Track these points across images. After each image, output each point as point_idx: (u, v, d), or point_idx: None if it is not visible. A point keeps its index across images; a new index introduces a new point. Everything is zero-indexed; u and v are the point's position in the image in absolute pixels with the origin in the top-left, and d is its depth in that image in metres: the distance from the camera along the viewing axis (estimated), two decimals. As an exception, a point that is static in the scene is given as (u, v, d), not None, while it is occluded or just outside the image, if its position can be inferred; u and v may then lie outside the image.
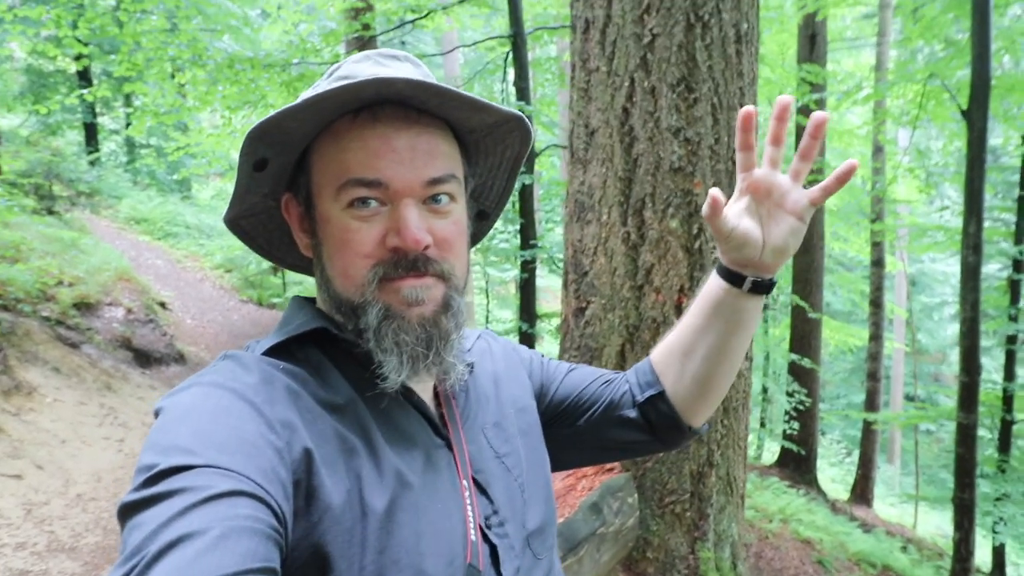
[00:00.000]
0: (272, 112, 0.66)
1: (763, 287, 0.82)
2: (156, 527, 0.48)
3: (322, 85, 0.72)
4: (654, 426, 0.92)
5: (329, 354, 0.72)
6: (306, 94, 0.68)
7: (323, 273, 0.73)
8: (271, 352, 0.70)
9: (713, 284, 0.84)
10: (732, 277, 0.82)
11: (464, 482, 0.73)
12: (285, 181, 0.76)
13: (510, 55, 6.21)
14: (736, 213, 0.79)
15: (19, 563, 2.97)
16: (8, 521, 3.22)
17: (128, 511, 0.52)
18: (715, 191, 0.75)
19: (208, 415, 0.58)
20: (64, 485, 3.68)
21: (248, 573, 0.47)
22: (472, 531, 0.70)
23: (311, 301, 0.79)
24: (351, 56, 0.78)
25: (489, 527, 0.74)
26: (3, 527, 3.17)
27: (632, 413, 0.92)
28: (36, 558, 3.05)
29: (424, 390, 0.78)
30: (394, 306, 0.69)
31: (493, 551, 0.73)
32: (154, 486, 0.52)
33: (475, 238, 0.90)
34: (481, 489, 0.76)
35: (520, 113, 0.76)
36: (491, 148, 0.81)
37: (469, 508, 0.72)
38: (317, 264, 0.75)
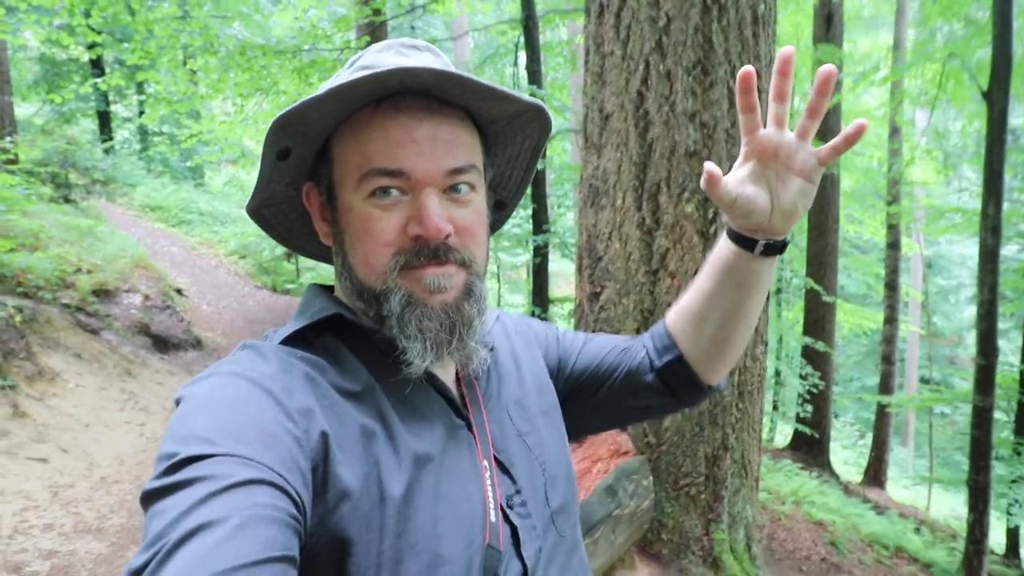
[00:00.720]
0: (296, 102, 0.66)
1: (775, 248, 0.81)
2: (177, 515, 0.49)
3: (344, 75, 0.72)
4: (673, 389, 0.92)
5: (346, 341, 0.73)
6: (329, 83, 0.68)
7: (344, 261, 0.74)
8: (289, 340, 0.71)
9: (724, 248, 0.83)
10: (743, 241, 0.80)
11: (485, 462, 0.74)
12: (306, 170, 0.77)
13: (521, 39, 6.17)
14: (738, 180, 0.77)
15: (47, 544, 3.05)
16: (35, 503, 3.30)
17: (150, 498, 0.53)
18: (709, 164, 0.74)
19: (227, 404, 0.59)
20: (88, 468, 3.77)
21: (267, 562, 0.48)
22: (492, 512, 0.70)
23: (327, 289, 0.80)
24: (372, 46, 0.78)
25: (511, 507, 0.74)
26: (31, 509, 3.26)
27: (651, 378, 0.92)
28: (64, 539, 3.13)
29: (445, 372, 0.78)
30: (416, 293, 0.69)
31: (514, 532, 0.73)
32: (175, 474, 0.53)
33: (493, 227, 0.90)
34: (503, 469, 0.76)
35: (541, 103, 0.76)
36: (510, 138, 0.81)
37: (490, 489, 0.72)
38: (338, 252, 0.76)
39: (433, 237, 0.68)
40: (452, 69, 0.68)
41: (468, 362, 0.75)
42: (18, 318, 4.57)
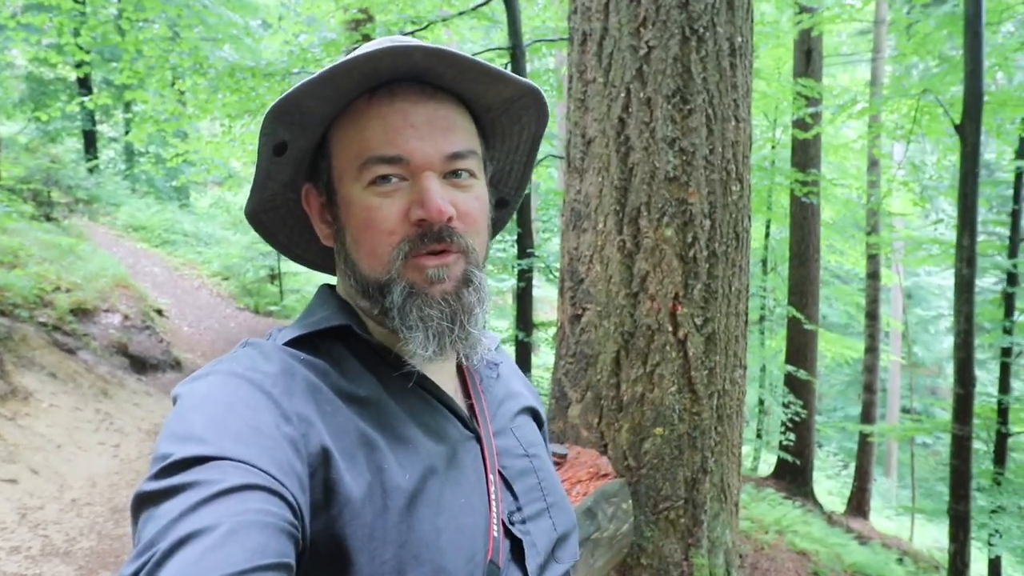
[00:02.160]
0: (290, 89, 0.65)
1: None
2: (168, 522, 0.48)
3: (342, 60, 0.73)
4: None
5: (352, 349, 0.72)
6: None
7: (347, 259, 0.73)
8: (293, 344, 0.69)
9: None
10: None
11: (491, 476, 0.73)
12: (305, 170, 0.75)
13: (509, 67, 6.27)
14: None
15: (13, 567, 2.97)
16: (2, 525, 3.21)
17: (143, 502, 0.52)
18: None
19: (224, 405, 0.58)
20: (59, 490, 3.68)
21: (255, 571, 0.47)
22: (495, 527, 0.69)
23: (336, 290, 0.79)
24: (367, 43, 0.77)
25: (512, 523, 0.73)
26: (-3, 531, 3.17)
27: None
28: (30, 562, 3.04)
29: (449, 383, 0.78)
30: (418, 283, 0.68)
31: (517, 546, 0.72)
32: (168, 478, 0.52)
33: (495, 226, 0.89)
34: (507, 484, 0.76)
35: (537, 86, 0.75)
36: (508, 128, 0.80)
37: (493, 503, 0.71)
38: (340, 251, 0.74)
39: (436, 219, 0.67)
40: (448, 49, 0.67)
41: (472, 352, 0.73)
42: (-8, 336, 4.50)
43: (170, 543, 0.47)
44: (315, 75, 0.64)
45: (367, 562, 0.59)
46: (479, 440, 0.75)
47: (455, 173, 0.70)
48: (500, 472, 0.75)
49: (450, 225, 0.68)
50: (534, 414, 0.93)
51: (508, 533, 0.72)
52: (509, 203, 0.90)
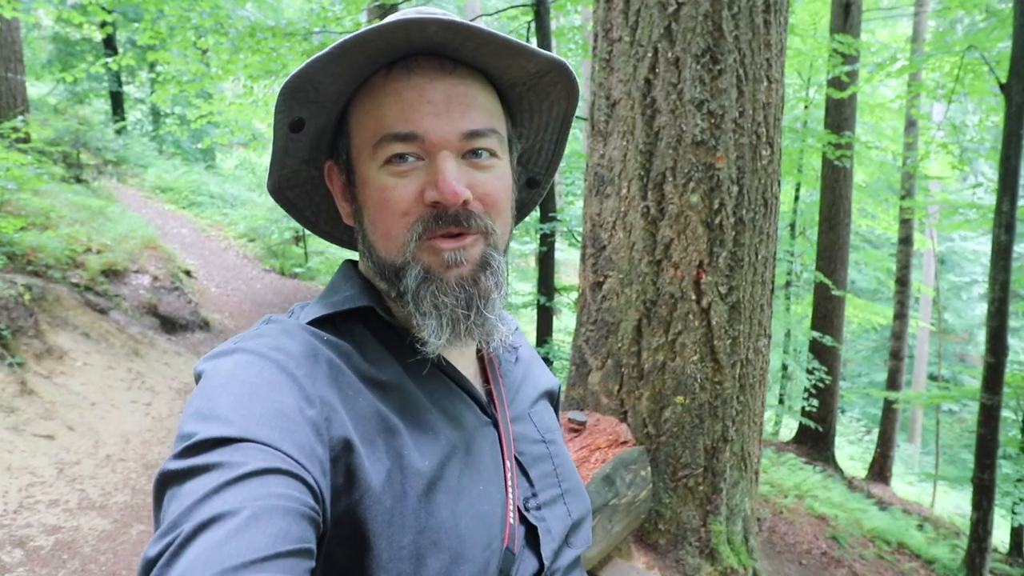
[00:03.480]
0: (303, 64, 0.63)
1: None
2: (191, 503, 0.49)
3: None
4: None
5: (374, 330, 0.71)
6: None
7: (365, 239, 0.72)
8: (316, 323, 0.69)
9: None
10: None
11: (507, 463, 0.73)
12: (326, 147, 0.74)
13: (532, 24, 6.11)
14: None
15: (52, 519, 3.10)
16: (41, 479, 3.35)
17: (167, 480, 0.53)
18: None
19: (249, 385, 0.58)
20: (94, 446, 3.81)
21: (277, 557, 0.47)
22: (511, 514, 0.69)
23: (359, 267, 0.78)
24: (402, 12, 0.74)
25: (528, 509, 0.74)
26: (37, 485, 3.30)
27: None
28: (68, 515, 3.18)
29: (469, 368, 0.77)
30: (433, 267, 0.67)
31: (532, 532, 0.73)
32: (192, 457, 0.52)
33: (526, 207, 0.87)
34: (523, 470, 0.76)
35: (563, 60, 0.70)
36: (536, 104, 0.77)
37: (510, 490, 0.71)
38: (359, 231, 0.73)
39: (450, 201, 0.65)
40: (465, 22, 0.64)
41: (489, 339, 0.71)
42: (27, 296, 4.62)
43: (193, 526, 0.47)
44: (326, 50, 0.62)
45: (386, 547, 0.60)
46: (496, 426, 0.75)
47: (474, 153, 0.67)
48: (516, 458, 0.75)
49: (467, 208, 0.66)
50: (550, 396, 0.92)
51: (523, 519, 0.72)
52: (540, 183, 0.87)
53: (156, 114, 14.01)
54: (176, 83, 7.13)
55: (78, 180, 8.45)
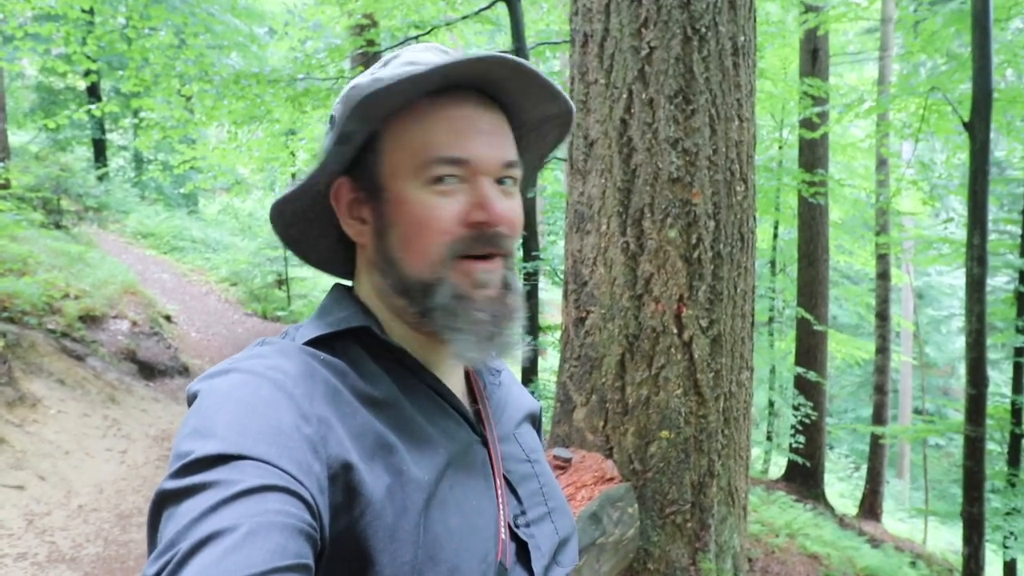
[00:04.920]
0: (379, 82, 0.65)
1: None
2: (188, 522, 0.49)
3: (392, 68, 0.71)
4: None
5: (369, 350, 0.72)
6: (397, 70, 0.68)
7: (387, 257, 0.72)
8: (312, 343, 0.70)
9: None
10: None
11: (498, 480, 0.74)
12: (343, 164, 0.75)
13: (513, 69, 6.25)
14: None
15: (19, 573, 2.97)
16: (9, 531, 3.22)
17: (164, 500, 0.53)
18: None
19: (246, 404, 0.58)
20: (66, 496, 3.69)
21: (275, 571, 0.47)
22: (503, 529, 0.71)
23: (351, 290, 0.78)
24: (412, 46, 0.77)
25: (517, 526, 0.75)
26: (4, 537, 3.18)
27: None
28: (37, 568, 3.05)
29: (457, 387, 0.78)
30: (463, 287, 0.69)
31: (522, 549, 0.74)
32: (189, 476, 0.52)
33: None
34: (511, 488, 0.77)
35: (572, 106, 0.77)
36: (531, 145, 0.82)
37: (501, 506, 0.73)
38: (378, 249, 0.73)
39: (498, 223, 0.69)
40: (527, 63, 0.69)
41: (511, 353, 0.74)
42: (1, 343, 4.52)
43: (191, 543, 0.47)
44: (414, 71, 0.64)
45: (389, 563, 0.60)
46: (486, 443, 0.77)
47: (502, 180, 0.72)
48: (505, 476, 0.76)
49: (500, 231, 0.70)
50: (533, 419, 0.94)
51: (514, 536, 0.73)
52: None
53: (139, 160, 14.05)
54: (160, 129, 7.18)
55: (58, 226, 8.39)
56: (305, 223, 0.80)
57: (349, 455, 0.61)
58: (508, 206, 0.71)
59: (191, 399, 0.62)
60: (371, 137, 0.72)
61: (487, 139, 0.70)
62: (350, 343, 0.72)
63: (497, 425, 0.81)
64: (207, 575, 0.45)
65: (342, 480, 0.59)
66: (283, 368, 0.63)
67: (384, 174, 0.71)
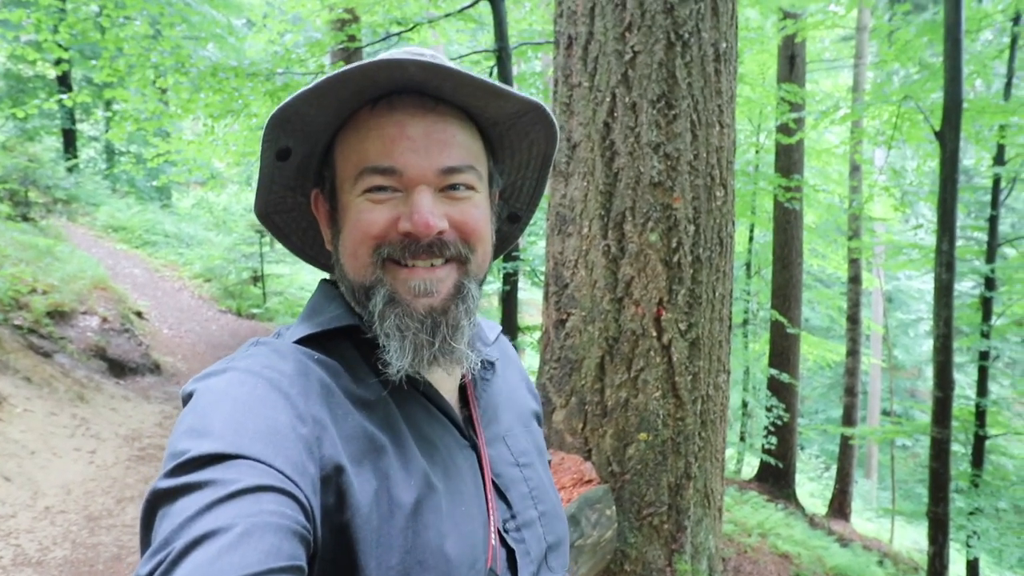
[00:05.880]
0: (291, 96, 0.65)
1: None
2: (183, 521, 0.49)
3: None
4: None
5: (359, 349, 0.72)
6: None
7: (338, 262, 0.73)
8: (305, 342, 0.70)
9: None
10: None
11: (487, 485, 0.74)
12: (312, 176, 0.76)
13: (495, 69, 6.26)
14: None
15: (-18, 577, 2.89)
16: (-28, 534, 3.13)
17: (158, 499, 0.52)
18: None
19: (242, 403, 0.58)
20: (32, 497, 3.59)
21: (269, 572, 0.47)
22: (493, 535, 0.70)
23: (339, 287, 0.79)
24: (381, 53, 0.77)
25: (507, 531, 0.74)
26: (-33, 540, 3.09)
27: None
28: (1, 572, 2.97)
29: (449, 391, 0.77)
30: (400, 293, 0.68)
31: (511, 555, 0.73)
32: (185, 475, 0.52)
33: (507, 241, 0.90)
34: (500, 493, 0.76)
35: (540, 102, 0.74)
36: (516, 143, 0.80)
37: (491, 511, 0.72)
38: (334, 254, 0.75)
39: (423, 233, 0.67)
40: (446, 63, 0.67)
41: (457, 367, 0.73)
42: (-35, 338, 4.39)
43: (185, 543, 0.47)
44: (311, 85, 0.65)
45: (375, 567, 0.60)
46: (475, 448, 0.76)
47: (452, 187, 0.70)
48: (494, 481, 0.76)
49: (441, 237, 0.69)
50: (534, 417, 0.93)
51: (504, 542, 0.73)
52: (522, 218, 0.90)
53: (110, 152, 13.74)
54: (134, 120, 7.03)
55: (25, 218, 8.17)
56: (300, 231, 0.83)
57: (341, 457, 0.61)
58: (456, 209, 0.70)
59: (186, 399, 0.62)
60: (329, 149, 0.73)
61: (419, 145, 0.68)
62: (342, 341, 0.72)
63: (487, 428, 0.80)
64: (202, 574, 0.45)
65: (333, 482, 0.59)
66: (279, 367, 0.63)
67: (337, 186, 0.72)
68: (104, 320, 6.28)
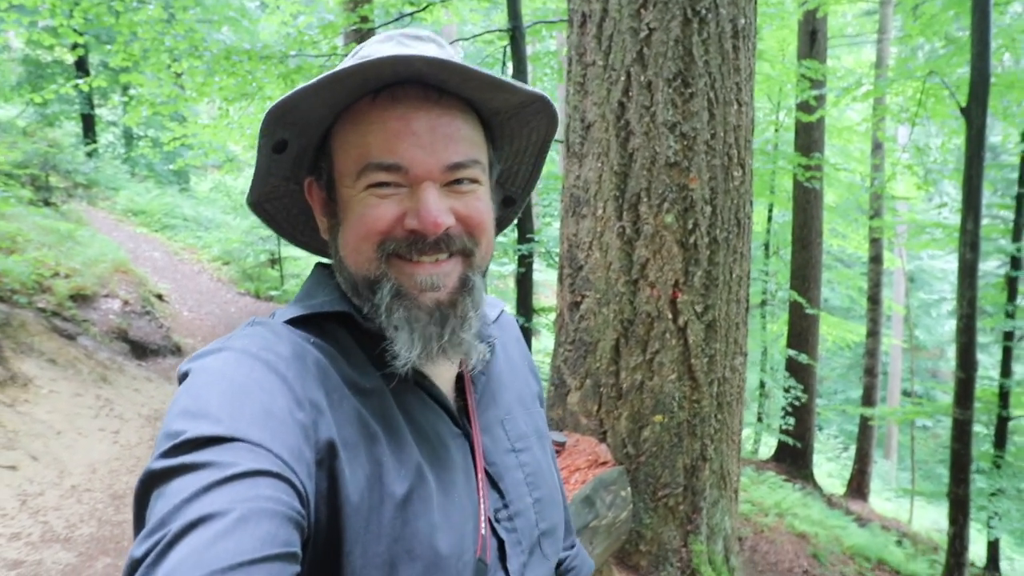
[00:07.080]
0: (290, 91, 0.64)
1: None
2: (179, 502, 0.48)
3: (343, 63, 0.70)
4: None
5: (354, 335, 0.71)
6: (342, 66, 0.67)
7: (338, 254, 0.72)
8: (298, 322, 0.69)
9: None
10: None
11: (479, 474, 0.74)
12: (307, 164, 0.75)
13: (508, 49, 6.19)
14: None
15: (13, 553, 2.98)
16: (2, 512, 3.22)
17: (153, 480, 0.51)
18: None
19: (239, 385, 0.58)
20: (59, 476, 3.68)
21: (264, 560, 0.47)
22: (483, 525, 0.70)
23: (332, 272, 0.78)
24: (375, 36, 0.76)
25: (498, 521, 0.74)
26: (-2, 518, 3.18)
27: None
28: (30, 548, 3.06)
29: (445, 379, 0.77)
30: (406, 287, 0.68)
31: (500, 545, 0.73)
32: (180, 456, 0.51)
33: (500, 224, 0.88)
34: (492, 482, 0.76)
35: (544, 93, 0.73)
36: (516, 131, 0.79)
37: (481, 501, 0.72)
38: (332, 245, 0.74)
39: (431, 231, 0.66)
40: (451, 58, 0.65)
41: (467, 358, 0.72)
42: (-9, 322, 4.48)
43: (181, 525, 0.47)
44: (313, 81, 0.63)
45: (360, 553, 0.60)
46: (468, 437, 0.75)
47: (457, 181, 0.69)
48: (487, 470, 0.76)
49: (448, 233, 0.68)
50: (536, 399, 0.92)
51: (494, 531, 0.73)
52: (516, 201, 0.89)
53: (128, 136, 13.84)
54: (150, 105, 7.06)
55: (47, 203, 8.29)
56: (291, 217, 0.83)
57: (335, 442, 0.60)
58: (461, 204, 0.69)
59: (181, 378, 0.61)
60: (325, 139, 0.72)
61: (424, 140, 0.66)
62: (338, 326, 0.71)
63: (483, 415, 0.79)
64: (197, 559, 0.45)
65: (327, 467, 0.59)
66: (276, 349, 0.63)
67: (335, 178, 0.71)
68: (125, 303, 6.38)
